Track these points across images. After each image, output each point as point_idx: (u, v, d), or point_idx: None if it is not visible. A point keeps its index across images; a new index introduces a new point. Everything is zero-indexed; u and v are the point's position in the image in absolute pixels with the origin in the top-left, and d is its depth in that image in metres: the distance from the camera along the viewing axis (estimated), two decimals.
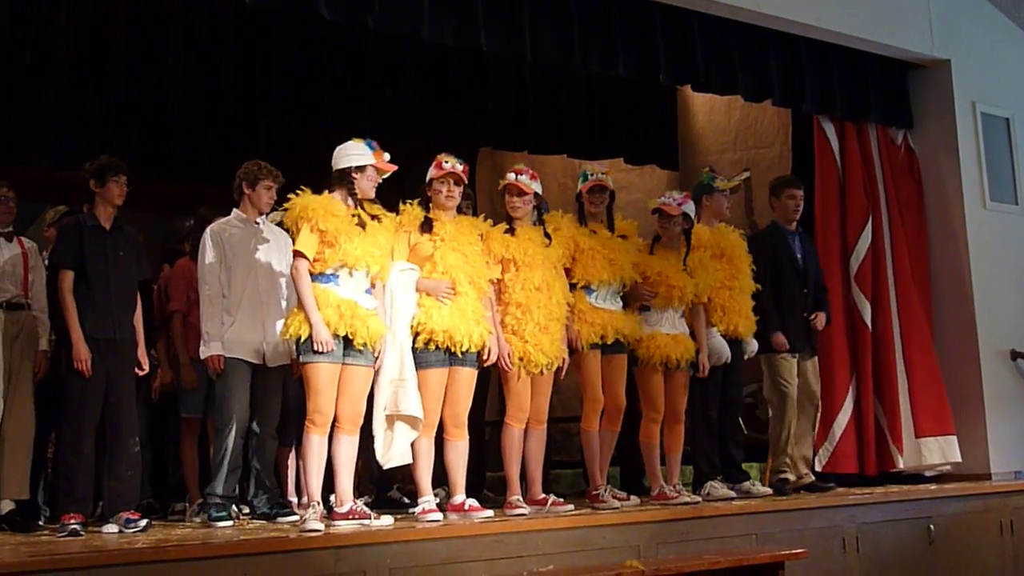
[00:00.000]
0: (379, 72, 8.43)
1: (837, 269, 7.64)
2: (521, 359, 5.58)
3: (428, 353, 5.31)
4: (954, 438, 7.54)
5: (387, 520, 5.05)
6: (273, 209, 5.94)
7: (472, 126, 9.06)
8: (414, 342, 5.30)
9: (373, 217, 5.23)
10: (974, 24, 8.27)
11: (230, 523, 5.45)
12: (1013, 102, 8.46)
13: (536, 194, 5.77)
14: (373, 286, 5.24)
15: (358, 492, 5.73)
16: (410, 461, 5.34)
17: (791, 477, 6.79)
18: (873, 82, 7.96)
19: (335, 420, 5.06)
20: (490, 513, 5.32)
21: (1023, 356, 7.99)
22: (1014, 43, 8.60)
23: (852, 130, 7.95)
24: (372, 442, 5.30)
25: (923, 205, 8.13)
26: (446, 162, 5.45)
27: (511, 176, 5.73)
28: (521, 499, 5.56)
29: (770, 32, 7.39)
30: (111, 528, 5.25)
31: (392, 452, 5.31)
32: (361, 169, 5.19)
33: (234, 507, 5.75)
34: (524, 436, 5.70)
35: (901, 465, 7.47)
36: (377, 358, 5.19)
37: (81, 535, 5.12)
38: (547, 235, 5.81)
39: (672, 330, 6.22)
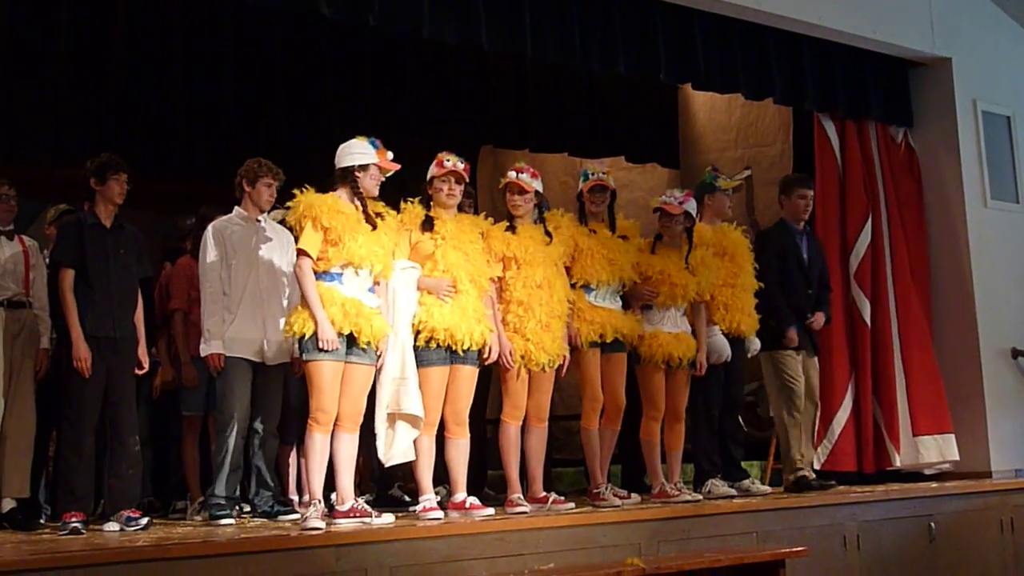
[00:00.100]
0: (380, 71, 8.43)
1: (837, 267, 7.62)
2: (523, 357, 5.58)
3: (429, 351, 5.31)
4: (952, 436, 7.54)
5: (388, 518, 5.05)
6: (274, 207, 5.94)
7: (473, 124, 9.07)
8: (415, 340, 5.30)
9: (376, 215, 5.22)
10: (975, 22, 8.27)
11: (231, 521, 5.45)
12: (1014, 100, 8.45)
13: (537, 192, 5.78)
14: (376, 284, 5.24)
15: (359, 490, 5.74)
16: (413, 458, 5.34)
17: (809, 474, 6.74)
18: (874, 80, 7.95)
19: (336, 418, 5.06)
20: (491, 511, 5.32)
21: None
22: (1015, 41, 8.60)
23: (852, 128, 7.94)
24: (374, 440, 5.31)
25: (923, 203, 8.12)
26: (447, 160, 5.45)
27: (512, 174, 5.74)
28: (522, 497, 5.56)
29: (771, 30, 7.38)
30: (112, 526, 5.25)
31: (394, 450, 5.32)
32: (364, 168, 5.18)
33: (236, 506, 5.75)
34: (525, 434, 5.69)
35: (898, 463, 7.46)
36: (379, 357, 5.19)
37: (82, 533, 5.12)
38: (548, 233, 5.81)
39: (674, 328, 6.22)
